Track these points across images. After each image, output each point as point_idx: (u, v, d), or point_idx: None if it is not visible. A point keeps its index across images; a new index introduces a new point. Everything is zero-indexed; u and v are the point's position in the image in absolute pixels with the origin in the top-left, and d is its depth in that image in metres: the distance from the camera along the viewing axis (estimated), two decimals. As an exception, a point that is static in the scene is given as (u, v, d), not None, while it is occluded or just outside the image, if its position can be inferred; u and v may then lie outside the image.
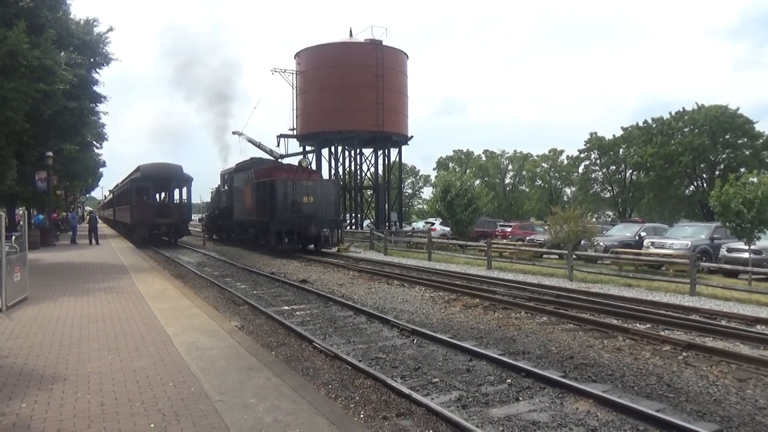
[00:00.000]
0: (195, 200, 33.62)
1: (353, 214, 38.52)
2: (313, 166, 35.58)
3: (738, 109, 42.51)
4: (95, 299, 10.20)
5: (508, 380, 6.17)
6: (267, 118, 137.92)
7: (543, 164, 62.84)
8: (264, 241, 23.21)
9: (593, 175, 53.54)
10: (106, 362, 6.00)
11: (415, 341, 7.99)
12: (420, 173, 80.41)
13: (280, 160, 32.82)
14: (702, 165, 43.84)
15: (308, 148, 38.76)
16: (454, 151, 74.32)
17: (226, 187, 29.95)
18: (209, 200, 35.82)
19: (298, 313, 10.28)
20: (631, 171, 49.88)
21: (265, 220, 22.40)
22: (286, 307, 10.81)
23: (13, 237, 11.80)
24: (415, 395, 5.47)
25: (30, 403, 4.74)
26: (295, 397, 4.91)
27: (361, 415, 5.13)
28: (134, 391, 5.03)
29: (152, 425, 4.27)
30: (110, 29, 18.73)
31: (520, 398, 5.63)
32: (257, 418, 4.41)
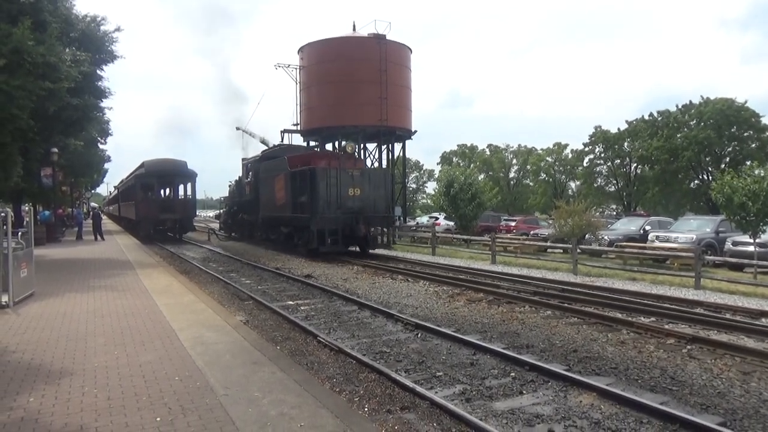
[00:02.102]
0: (199, 196, 33.31)
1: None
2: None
3: (746, 102, 42.25)
4: (101, 295, 10.26)
5: (512, 374, 6.19)
6: (270, 113, 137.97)
7: (547, 158, 62.63)
8: (300, 242, 19.97)
9: (598, 169, 53.34)
10: (112, 357, 6.04)
11: (419, 335, 8.02)
12: (424, 168, 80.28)
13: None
14: (707, 158, 43.61)
15: (312, 144, 38.77)
16: (458, 145, 74.06)
17: (250, 178, 26.36)
18: (227, 194, 32.64)
19: (302, 307, 10.32)
20: (635, 165, 49.66)
21: (303, 217, 19.10)
22: (291, 302, 10.86)
23: (20, 233, 11.86)
24: (419, 389, 5.50)
25: (38, 398, 4.79)
26: (299, 391, 4.95)
27: (366, 409, 5.16)
28: (140, 386, 5.08)
29: (158, 419, 4.31)
30: (117, 29, 18.78)
31: (524, 391, 5.65)
32: (262, 412, 4.45)
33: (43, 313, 8.57)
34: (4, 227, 9.19)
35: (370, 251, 19.64)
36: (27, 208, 23.25)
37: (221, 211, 35.32)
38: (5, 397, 4.79)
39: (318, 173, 18.41)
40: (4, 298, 9.03)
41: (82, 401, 4.69)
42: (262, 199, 23.76)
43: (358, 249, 19.71)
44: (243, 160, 29.50)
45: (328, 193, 18.36)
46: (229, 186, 32.06)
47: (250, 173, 26.29)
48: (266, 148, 29.53)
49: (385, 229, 20.25)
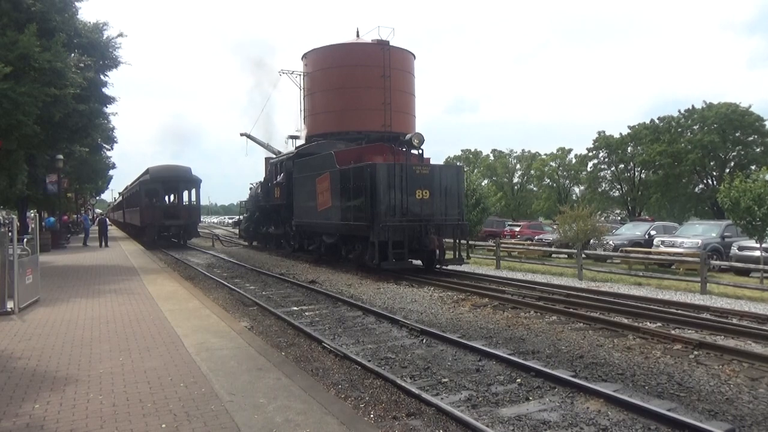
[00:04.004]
0: (204, 202, 32.82)
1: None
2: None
3: (750, 106, 42.14)
4: (106, 301, 10.27)
5: (518, 380, 6.16)
6: (275, 119, 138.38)
7: (551, 163, 62.55)
8: (351, 255, 16.88)
9: (602, 174, 53.23)
10: (117, 363, 6.04)
11: (424, 341, 7.99)
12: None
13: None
14: (712, 163, 43.49)
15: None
16: (462, 150, 74.12)
17: (279, 179, 22.82)
18: (246, 198, 29.71)
19: (307, 313, 10.30)
20: (639, 169, 49.55)
21: (357, 225, 15.68)
22: (295, 308, 10.85)
23: (25, 239, 11.90)
24: (424, 395, 5.47)
25: (43, 404, 4.78)
26: (305, 397, 4.93)
27: (371, 415, 5.13)
28: (145, 392, 5.07)
29: (164, 425, 4.30)
30: (120, 35, 18.89)
31: (530, 398, 5.62)
32: (268, 418, 4.43)
33: (48, 319, 8.58)
34: (10, 234, 9.23)
35: (443, 268, 16.09)
36: (32, 215, 23.35)
37: (240, 217, 31.58)
38: (11, 404, 4.79)
39: (380, 171, 14.95)
40: (10, 305, 9.05)
41: (87, 408, 4.69)
42: (296, 203, 20.40)
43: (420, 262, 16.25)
44: (268, 159, 26.75)
45: (392, 196, 14.96)
46: (250, 189, 29.17)
47: (281, 173, 22.66)
48: (275, 153, 28.13)
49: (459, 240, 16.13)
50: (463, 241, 16.22)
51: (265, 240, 26.38)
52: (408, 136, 16.25)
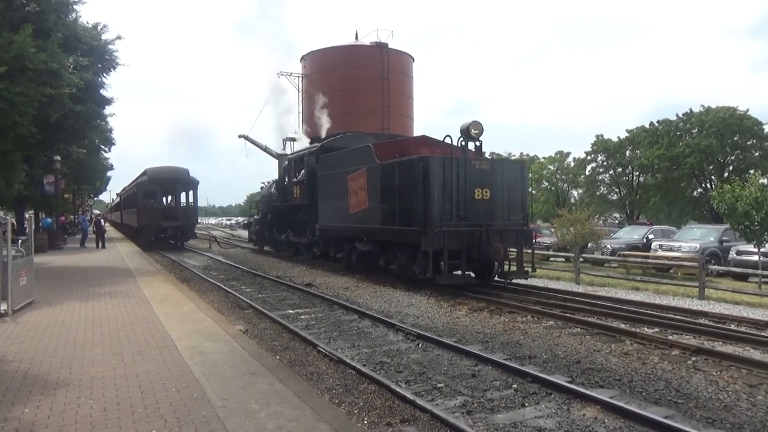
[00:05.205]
0: (202, 203, 32.48)
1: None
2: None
3: (747, 110, 42.21)
4: (100, 303, 10.21)
5: (514, 385, 6.10)
6: (273, 121, 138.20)
7: (549, 166, 62.59)
8: (395, 265, 14.14)
9: (600, 177, 53.27)
10: (109, 367, 5.98)
11: (420, 345, 7.93)
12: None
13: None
14: (710, 167, 43.52)
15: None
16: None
17: (300, 177, 20.13)
18: (257, 198, 27.62)
19: (302, 316, 10.24)
20: (638, 173, 49.60)
21: (408, 230, 13.03)
22: (291, 311, 10.78)
23: (20, 241, 11.83)
24: (419, 401, 5.41)
25: (33, 409, 4.72)
26: (298, 403, 4.87)
27: (365, 421, 5.07)
28: (137, 397, 5.01)
29: (154, 431, 4.24)
30: (118, 37, 18.85)
31: (526, 404, 5.56)
32: (259, 425, 4.37)
33: (42, 321, 8.52)
34: (5, 235, 9.17)
35: (507, 283, 13.60)
36: (28, 216, 23.29)
37: (251, 219, 28.76)
38: (0, 408, 4.73)
39: (434, 165, 12.56)
40: (3, 307, 8.98)
41: (77, 413, 4.63)
42: (321, 203, 18.01)
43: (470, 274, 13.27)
44: (281, 156, 24.73)
45: (446, 197, 12.62)
46: (261, 188, 26.83)
47: (302, 170, 20.02)
48: (273, 155, 27.54)
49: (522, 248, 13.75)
50: (528, 250, 14.02)
51: (279, 245, 23.64)
52: (465, 125, 13.32)
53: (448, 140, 12.79)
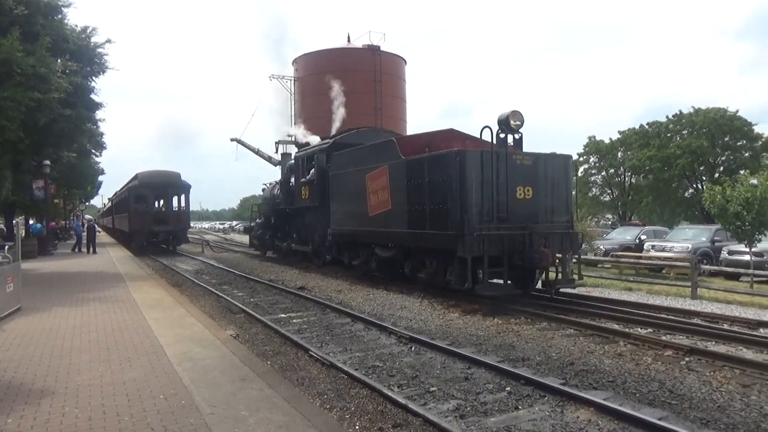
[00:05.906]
0: (194, 207, 32.09)
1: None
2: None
3: (737, 111, 42.50)
4: (89, 309, 10.08)
5: (508, 388, 6.05)
6: (265, 124, 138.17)
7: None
8: (425, 274, 12.65)
9: (592, 179, 53.44)
10: (96, 374, 5.87)
11: (413, 348, 7.87)
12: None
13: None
14: (701, 167, 43.76)
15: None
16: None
17: (310, 176, 18.44)
18: (260, 201, 26.31)
19: (295, 320, 10.15)
20: (629, 174, 49.81)
21: (442, 235, 11.44)
22: (283, 315, 10.69)
23: (6, 247, 11.68)
24: (411, 405, 5.34)
25: (16, 419, 4.62)
26: (288, 409, 4.79)
27: (356, 427, 5.00)
28: (123, 405, 4.91)
29: (140, 440, 4.16)
30: (108, 41, 18.73)
31: (520, 407, 5.51)
32: (248, 432, 4.29)
33: (29, 329, 8.38)
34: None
35: (554, 294, 11.96)
36: (15, 221, 23.07)
37: (253, 222, 27.27)
38: (-18, 419, 4.63)
39: (470, 160, 11.02)
40: (-11, 314, 8.85)
41: (61, 422, 4.53)
42: (334, 205, 16.52)
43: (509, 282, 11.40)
44: (285, 155, 23.30)
45: (485, 195, 11.05)
46: (263, 190, 25.20)
47: (311, 170, 18.35)
48: (265, 158, 27.38)
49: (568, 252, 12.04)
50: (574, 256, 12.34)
51: (286, 252, 21.89)
52: (503, 114, 11.75)
53: (486, 132, 11.25)
